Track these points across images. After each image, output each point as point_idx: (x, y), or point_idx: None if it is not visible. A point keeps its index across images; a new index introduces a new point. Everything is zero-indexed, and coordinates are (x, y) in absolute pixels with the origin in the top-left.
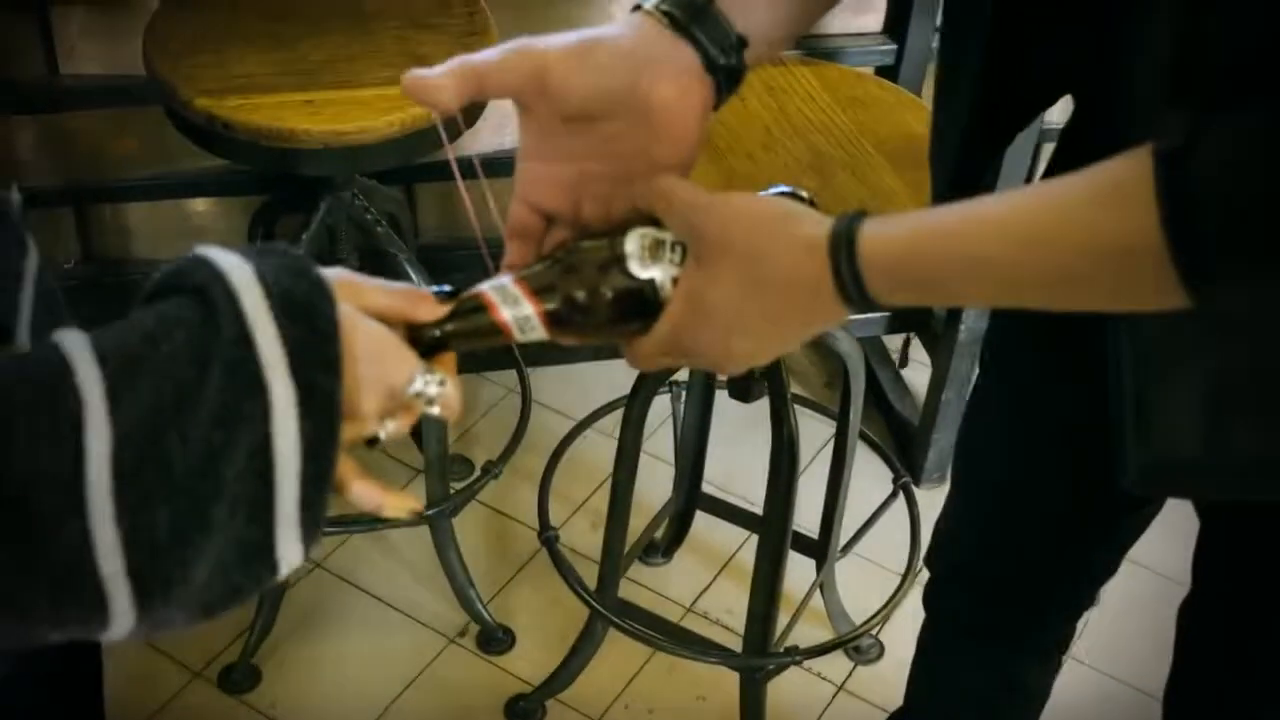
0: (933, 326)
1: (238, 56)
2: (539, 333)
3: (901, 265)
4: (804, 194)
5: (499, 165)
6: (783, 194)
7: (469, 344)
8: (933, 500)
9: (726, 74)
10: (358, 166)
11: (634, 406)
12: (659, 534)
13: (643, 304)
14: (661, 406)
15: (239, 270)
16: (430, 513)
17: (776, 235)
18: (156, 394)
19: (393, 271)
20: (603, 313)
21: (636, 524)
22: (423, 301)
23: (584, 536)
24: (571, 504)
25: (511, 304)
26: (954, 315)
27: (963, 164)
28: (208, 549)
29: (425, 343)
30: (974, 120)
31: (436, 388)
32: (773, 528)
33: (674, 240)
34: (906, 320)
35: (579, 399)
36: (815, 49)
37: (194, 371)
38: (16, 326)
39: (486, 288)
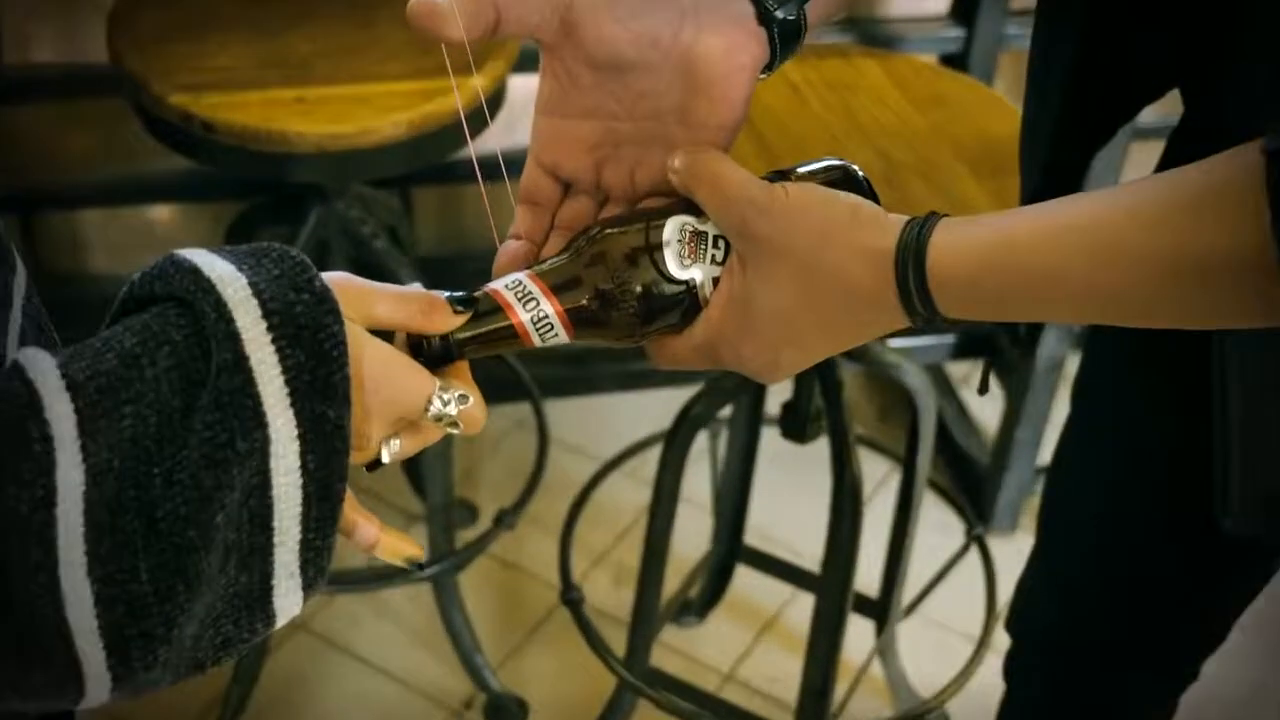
0: (1006, 352)
1: (218, 46)
2: (560, 336)
3: (974, 282)
4: (857, 171)
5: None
6: (832, 168)
7: (481, 351)
8: (1005, 552)
9: (784, 30)
10: (357, 174)
11: (673, 447)
12: (694, 590)
13: (678, 304)
14: (697, 441)
15: (231, 282)
16: (433, 570)
17: (839, 243)
18: (137, 428)
19: None
20: (632, 313)
21: (669, 579)
22: (437, 311)
23: (606, 593)
24: (591, 554)
25: (529, 304)
26: (1031, 339)
27: (1055, 163)
28: (195, 604)
29: (431, 353)
30: (1068, 113)
31: (457, 406)
32: (831, 590)
33: (716, 234)
34: (975, 345)
35: (601, 434)
36: (873, 35)
37: (180, 401)
38: (5, 350)
39: (500, 286)
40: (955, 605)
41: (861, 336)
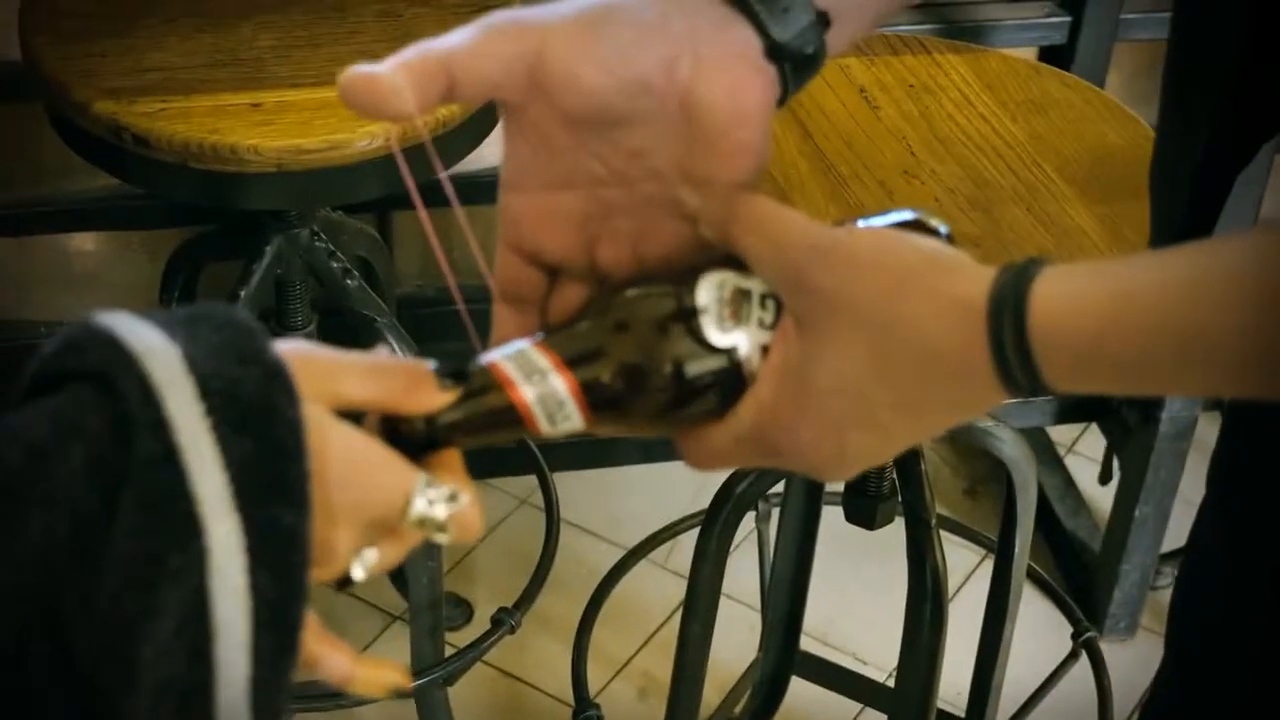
0: (1121, 415)
1: (153, 40)
2: (573, 420)
3: (1091, 342)
4: (937, 225)
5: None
6: (904, 224)
7: (474, 438)
8: (1121, 659)
9: (796, 62)
10: (324, 198)
11: (713, 533)
12: (738, 707)
13: (719, 381)
14: (741, 526)
15: (160, 355)
16: (418, 683)
17: (917, 294)
18: (45, 539)
19: (366, 339)
20: (663, 392)
21: (708, 692)
22: (420, 387)
23: (630, 709)
24: (611, 662)
25: (535, 378)
26: (1152, 399)
27: (1201, 193)
28: None
29: (413, 438)
30: (1222, 132)
31: (446, 506)
32: (909, 707)
33: (764, 292)
34: (1085, 406)
35: (622, 515)
36: (958, 24)
37: (100, 503)
38: None
39: (499, 357)
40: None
41: (950, 416)
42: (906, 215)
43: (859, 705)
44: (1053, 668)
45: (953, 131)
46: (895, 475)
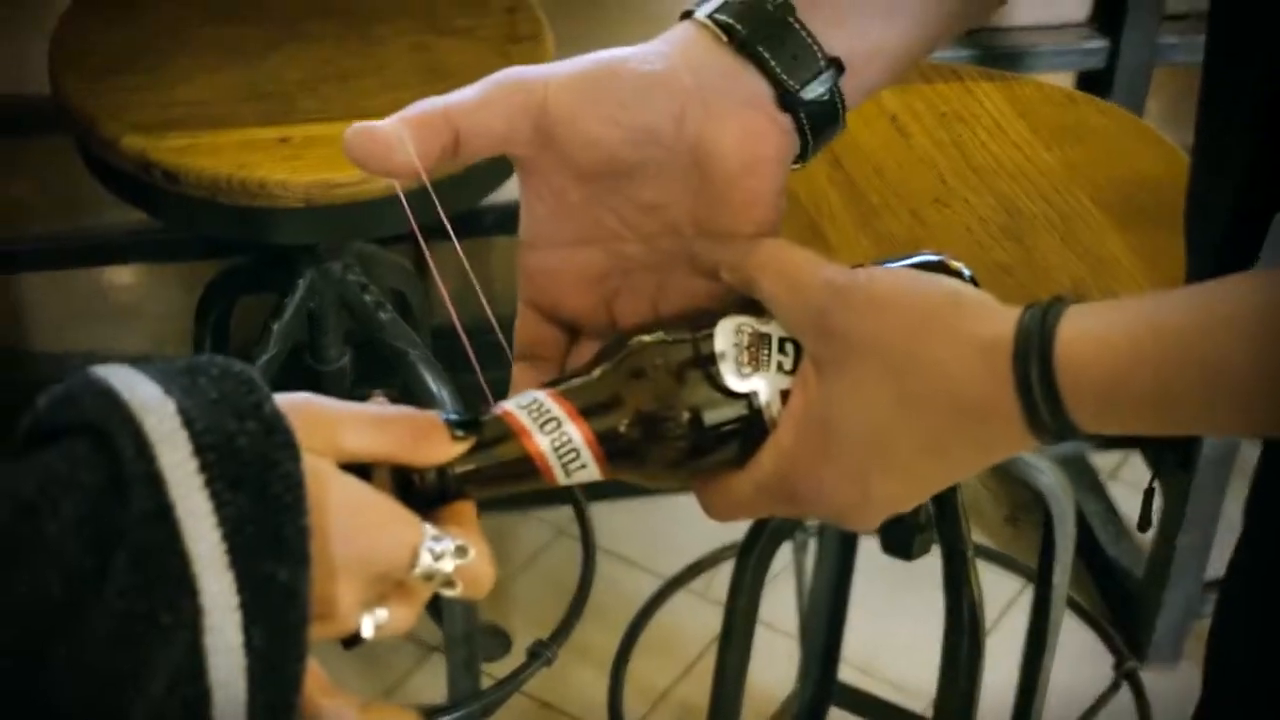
0: (1161, 437)
1: (181, 74)
2: (589, 470)
3: (1120, 381)
4: (960, 268)
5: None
6: (926, 265)
7: (487, 489)
8: (1165, 689)
9: (812, 112)
10: (356, 231)
11: (750, 564)
12: None
13: (738, 428)
14: (779, 555)
15: (155, 409)
16: (453, 716)
17: (940, 336)
18: (35, 597)
19: (400, 372)
20: (681, 440)
21: None
22: (430, 437)
23: None
24: (650, 693)
25: (549, 428)
26: (1190, 442)
27: (1237, 234)
28: None
29: (426, 490)
30: (1257, 172)
31: (454, 560)
32: None
33: (783, 336)
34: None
35: (660, 545)
36: (992, 50)
37: (93, 561)
38: None
39: (512, 406)
40: None
41: (976, 460)
42: (929, 257)
43: None
44: (1094, 698)
45: (985, 160)
46: (932, 505)
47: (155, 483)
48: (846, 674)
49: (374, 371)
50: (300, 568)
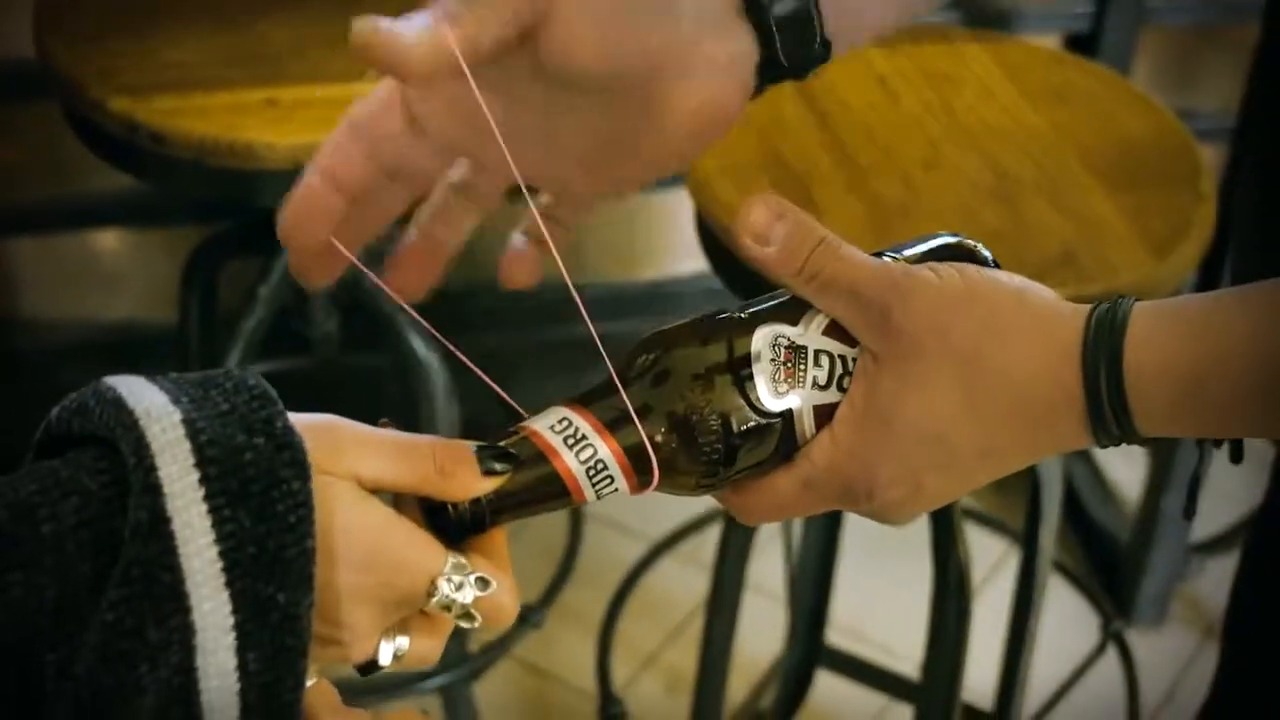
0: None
1: (169, 38)
2: (618, 484)
3: (1190, 391)
4: (984, 252)
5: None
6: (945, 248)
7: (516, 514)
8: (1151, 651)
9: (773, 80)
10: None
11: (736, 527)
12: (765, 700)
13: (770, 443)
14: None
15: (160, 418)
16: (443, 678)
17: (1009, 336)
18: (26, 602)
19: (390, 341)
20: (712, 455)
21: (734, 686)
22: (460, 471)
23: (656, 703)
24: (637, 656)
25: (579, 447)
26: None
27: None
28: None
29: (455, 519)
30: None
31: (473, 592)
32: (934, 700)
33: (818, 348)
34: None
35: (645, 510)
36: (981, 11)
37: (91, 568)
38: None
39: (540, 426)
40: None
41: (1027, 459)
42: (947, 239)
43: (887, 698)
44: (1080, 660)
45: (974, 122)
46: None
47: (153, 492)
48: (835, 637)
49: (362, 336)
50: (301, 592)
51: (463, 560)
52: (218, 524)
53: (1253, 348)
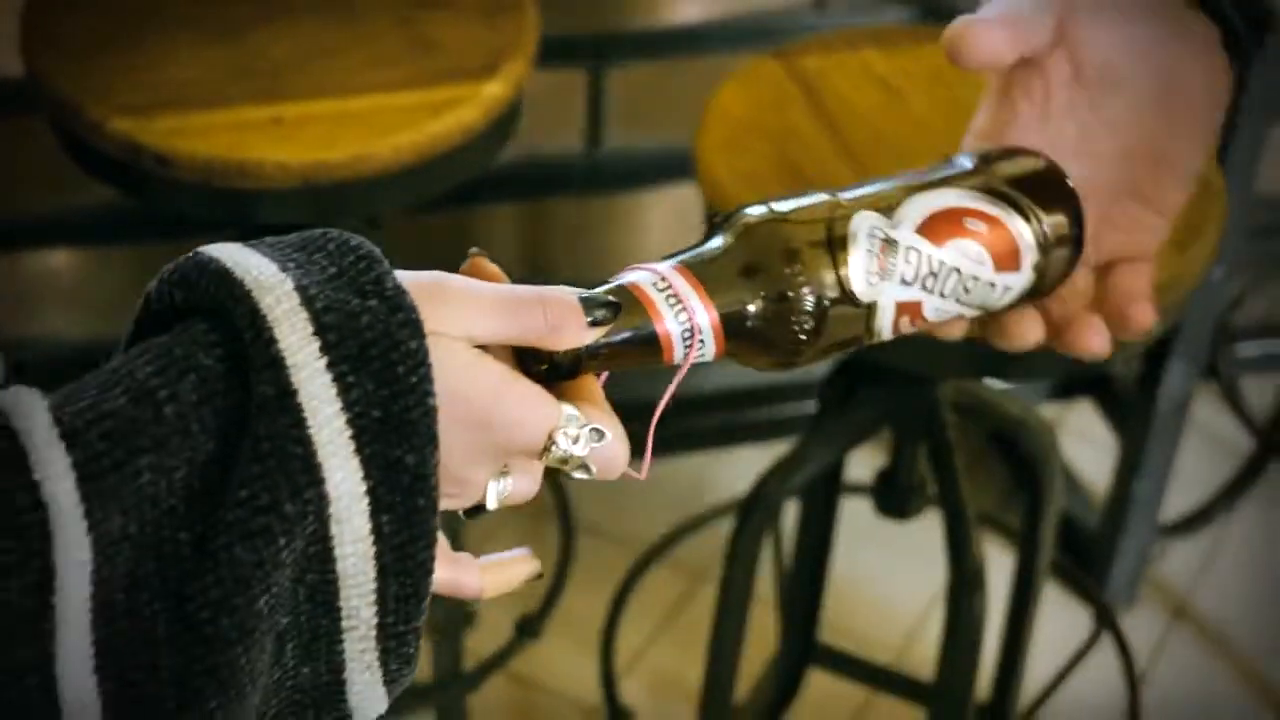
0: (1116, 388)
1: (165, 52)
2: (708, 352)
3: None
4: (1068, 179)
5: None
6: (1037, 172)
7: (607, 365)
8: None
9: (1239, 58)
10: (351, 211)
11: (745, 535)
12: (756, 699)
13: (856, 327)
14: None
15: (273, 288)
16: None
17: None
18: (159, 484)
19: None
20: (798, 331)
21: None
22: (566, 324)
23: (653, 707)
24: (626, 654)
25: (677, 309)
26: (1150, 374)
27: None
28: (237, 711)
29: (555, 368)
30: None
31: (589, 443)
32: (950, 703)
33: (909, 245)
34: (1079, 381)
35: (637, 512)
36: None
37: (217, 446)
38: None
39: (643, 282)
40: (1088, 709)
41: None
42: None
43: (868, 690)
44: (1065, 649)
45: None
46: (930, 466)
47: (275, 366)
48: (827, 635)
49: None
50: (428, 451)
51: (576, 412)
52: (342, 392)
53: None
